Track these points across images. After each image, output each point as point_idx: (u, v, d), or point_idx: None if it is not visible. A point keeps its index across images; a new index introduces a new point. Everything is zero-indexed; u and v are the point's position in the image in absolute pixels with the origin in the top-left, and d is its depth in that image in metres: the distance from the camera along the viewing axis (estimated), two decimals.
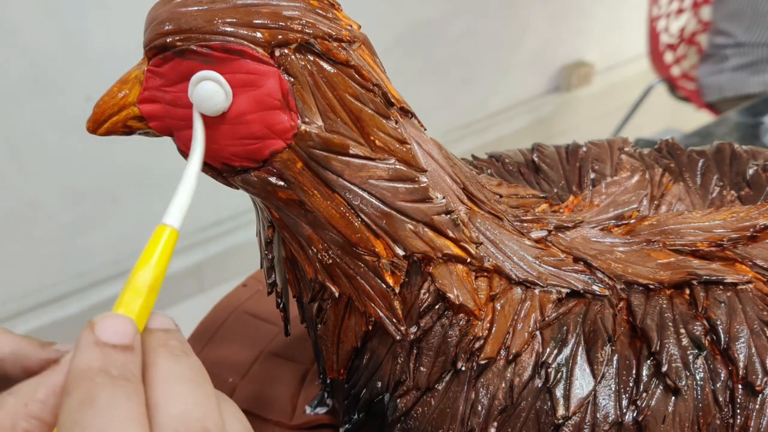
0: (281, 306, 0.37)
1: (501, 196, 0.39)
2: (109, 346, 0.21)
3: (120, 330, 0.22)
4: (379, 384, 0.34)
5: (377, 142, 0.31)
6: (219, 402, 0.22)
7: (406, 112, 0.33)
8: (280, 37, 0.29)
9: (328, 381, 0.39)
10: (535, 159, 0.44)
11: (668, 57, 1.52)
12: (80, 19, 1.19)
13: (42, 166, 1.25)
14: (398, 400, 0.33)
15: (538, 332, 0.32)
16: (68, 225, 1.32)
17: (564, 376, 0.31)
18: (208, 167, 0.32)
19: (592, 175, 0.42)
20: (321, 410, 0.44)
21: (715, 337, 0.31)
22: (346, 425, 0.36)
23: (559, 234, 0.37)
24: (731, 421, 0.30)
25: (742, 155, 0.43)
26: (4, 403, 0.22)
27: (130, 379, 0.21)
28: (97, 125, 0.31)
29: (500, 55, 1.89)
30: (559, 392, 0.30)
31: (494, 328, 0.32)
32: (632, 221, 0.39)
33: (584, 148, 0.44)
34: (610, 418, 0.30)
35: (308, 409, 0.44)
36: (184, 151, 0.31)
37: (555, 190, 0.42)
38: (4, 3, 1.10)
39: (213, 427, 0.21)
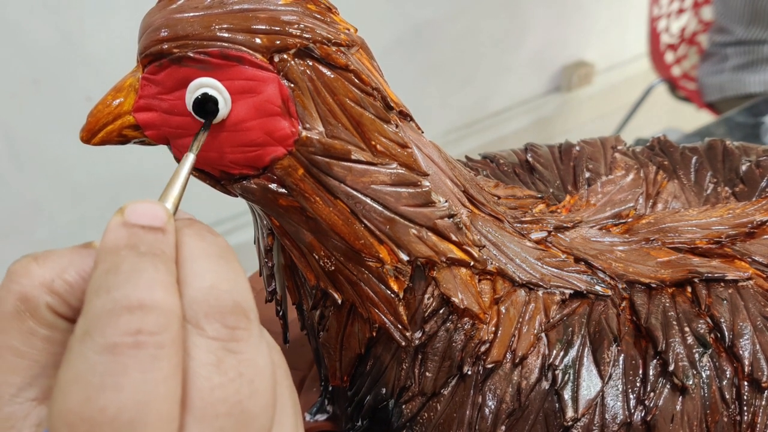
0: (280, 314, 0.37)
1: (499, 198, 0.38)
2: (138, 227, 0.20)
3: (150, 213, 0.21)
4: (384, 390, 0.34)
5: (378, 146, 0.30)
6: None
7: (404, 116, 0.32)
8: (278, 42, 0.28)
9: (330, 388, 0.39)
10: (530, 159, 0.44)
11: (669, 57, 1.51)
12: (80, 19, 1.17)
13: (42, 166, 1.24)
14: (403, 406, 0.33)
15: (543, 334, 0.32)
16: (68, 225, 1.31)
17: (571, 377, 0.31)
18: (205, 175, 0.31)
19: (587, 174, 0.42)
20: (321, 417, 0.43)
21: (719, 335, 0.31)
22: None
23: (559, 234, 0.36)
24: (738, 418, 0.30)
25: (734, 151, 0.44)
26: (29, 271, 0.20)
27: (158, 255, 0.20)
28: (91, 135, 0.30)
29: (501, 55, 1.89)
30: (567, 394, 0.30)
31: (500, 331, 0.32)
32: (629, 220, 0.39)
33: (577, 147, 0.44)
34: (619, 419, 0.30)
35: (308, 416, 0.43)
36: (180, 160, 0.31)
37: (551, 190, 0.42)
38: (4, 3, 1.09)
39: (243, 303, 0.20)
